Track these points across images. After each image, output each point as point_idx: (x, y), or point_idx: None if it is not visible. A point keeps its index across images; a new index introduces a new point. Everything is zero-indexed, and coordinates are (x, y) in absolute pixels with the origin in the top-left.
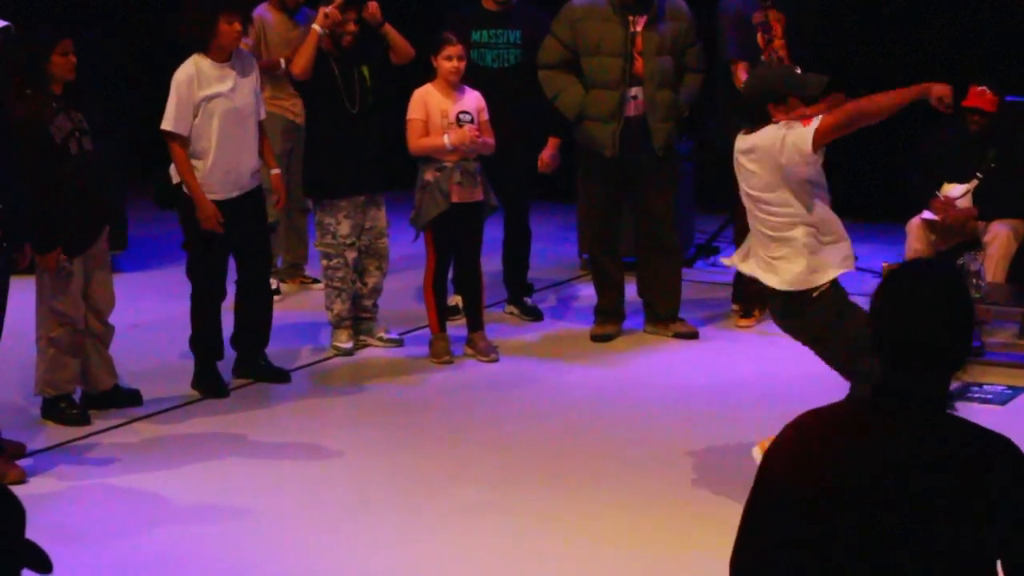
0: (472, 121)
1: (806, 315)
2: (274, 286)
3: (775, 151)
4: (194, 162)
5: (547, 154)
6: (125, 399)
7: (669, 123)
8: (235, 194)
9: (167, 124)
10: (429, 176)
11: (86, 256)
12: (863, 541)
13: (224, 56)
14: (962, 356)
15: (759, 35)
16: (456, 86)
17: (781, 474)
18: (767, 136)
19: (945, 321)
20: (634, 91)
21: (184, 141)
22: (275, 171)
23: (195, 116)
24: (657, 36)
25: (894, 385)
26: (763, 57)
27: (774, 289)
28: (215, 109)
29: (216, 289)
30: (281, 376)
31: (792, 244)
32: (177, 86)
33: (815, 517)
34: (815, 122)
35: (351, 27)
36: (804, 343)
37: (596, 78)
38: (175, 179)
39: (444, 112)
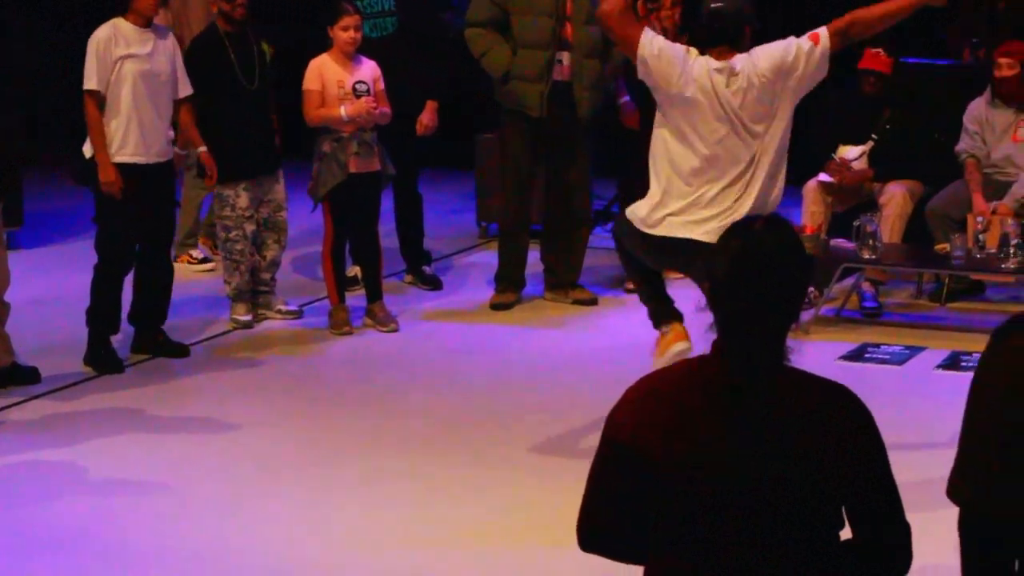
0: (368, 91)
1: None
2: (204, 255)
3: (794, 65)
4: (110, 122)
5: (425, 116)
6: (23, 377)
7: (594, 92)
8: (152, 161)
9: (89, 83)
10: (327, 147)
11: None
12: (714, 501)
13: (143, 22)
14: (798, 310)
15: (639, 3)
16: (352, 56)
17: (628, 436)
18: (774, 52)
19: (783, 279)
20: (560, 55)
21: (97, 99)
22: (202, 148)
23: (112, 75)
24: (588, 4)
25: (735, 343)
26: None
27: None
28: (132, 69)
29: (123, 264)
30: (180, 351)
31: (782, 176)
32: (95, 44)
33: (664, 478)
34: (824, 31)
35: (240, 0)
36: None
37: (526, 37)
38: (86, 152)
39: (340, 82)
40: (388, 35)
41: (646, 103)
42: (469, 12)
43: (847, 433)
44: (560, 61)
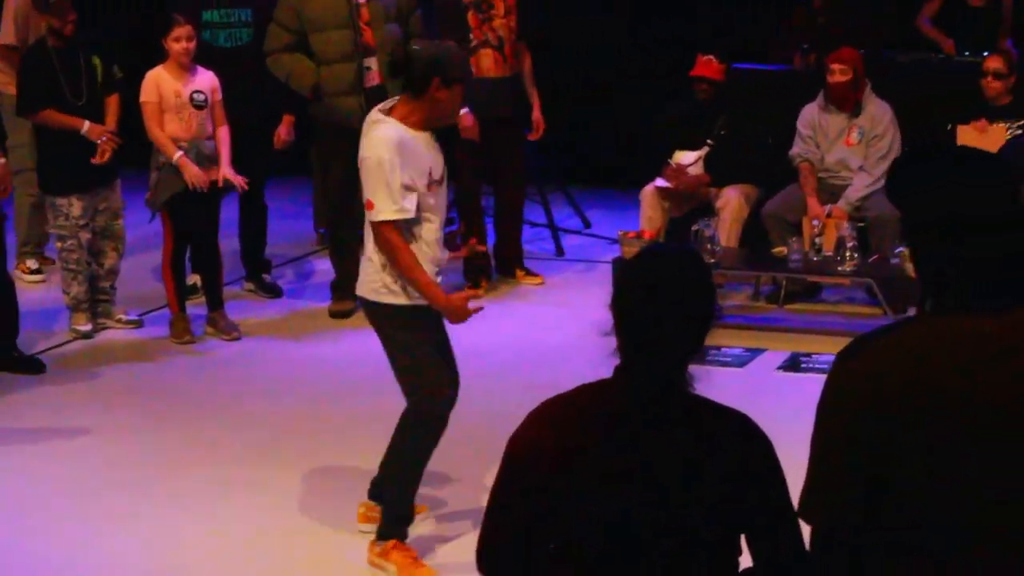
0: (206, 101)
1: None
2: (36, 267)
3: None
4: None
5: (283, 130)
6: None
7: None
8: None
9: None
10: (163, 157)
11: None
12: (608, 527)
13: None
14: (702, 338)
15: (470, 13)
16: (188, 67)
17: (526, 460)
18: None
19: (685, 308)
20: (368, 62)
21: None
22: (1, 160)
23: None
24: (381, 6)
25: (635, 369)
26: (473, 36)
27: None
28: None
29: None
30: (35, 366)
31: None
32: None
33: (560, 503)
34: None
35: (71, 17)
36: None
37: (328, 53)
38: None
39: (177, 92)
40: (243, 45)
41: (487, 113)
42: (265, 43)
43: (743, 459)
44: (369, 68)
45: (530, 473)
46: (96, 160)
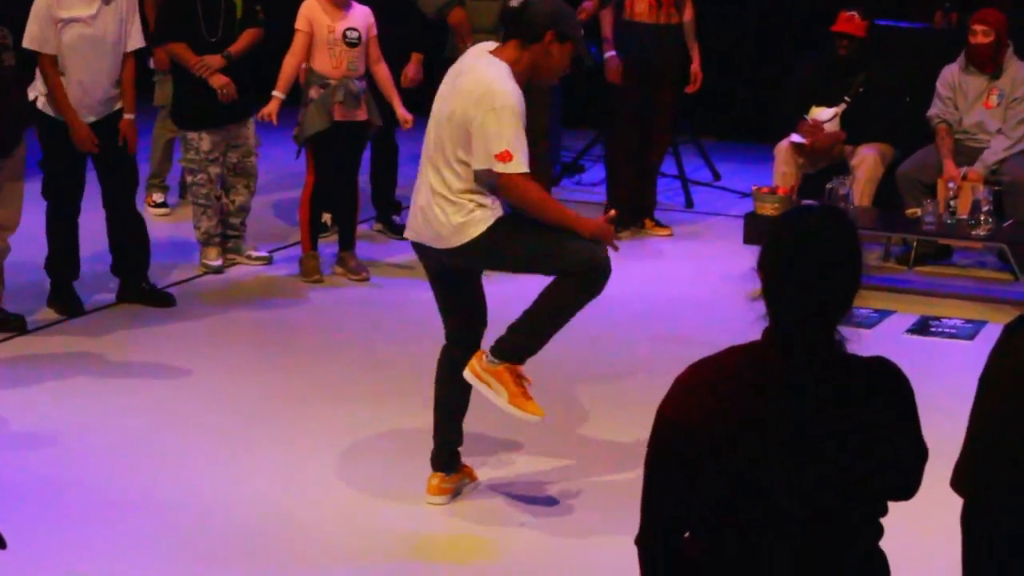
0: (360, 38)
1: None
2: (160, 199)
3: None
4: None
5: (411, 69)
6: (8, 323)
7: None
8: (90, 119)
9: (28, 42)
10: (312, 93)
11: None
12: (767, 488)
13: None
14: (851, 301)
15: None
16: (343, 3)
17: (682, 426)
18: None
19: (837, 272)
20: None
21: (52, 60)
22: (128, 116)
23: (56, 37)
24: None
25: (788, 333)
26: None
27: None
28: (73, 32)
29: (72, 208)
30: (165, 299)
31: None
32: (43, 8)
33: (718, 466)
34: None
35: None
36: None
37: None
38: (31, 95)
39: (330, 28)
40: None
41: (630, 58)
42: None
43: (895, 409)
44: None
45: (686, 437)
46: (221, 96)
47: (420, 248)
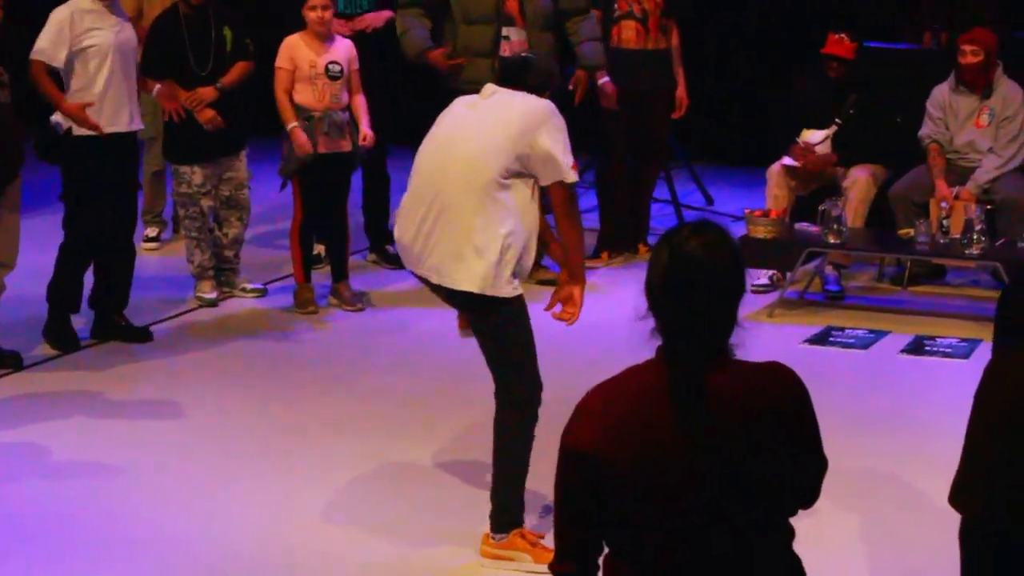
0: (342, 72)
1: None
2: (153, 234)
3: None
4: (83, 96)
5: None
6: (3, 361)
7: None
8: (123, 129)
9: (35, 53)
10: (291, 125)
11: None
12: (673, 501)
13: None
14: (735, 310)
15: None
16: (325, 36)
17: (586, 447)
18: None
19: (714, 284)
20: (506, 31)
21: (48, 70)
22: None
23: (78, 53)
24: None
25: (676, 348)
26: (618, 6)
27: None
28: (101, 43)
29: (91, 243)
30: (142, 335)
31: None
32: (58, 21)
33: (624, 482)
34: None
35: None
36: None
37: (469, 11)
38: (62, 125)
39: (312, 63)
40: (363, 12)
41: (620, 84)
42: None
43: (784, 409)
44: (507, 37)
45: (591, 458)
46: (208, 128)
47: None
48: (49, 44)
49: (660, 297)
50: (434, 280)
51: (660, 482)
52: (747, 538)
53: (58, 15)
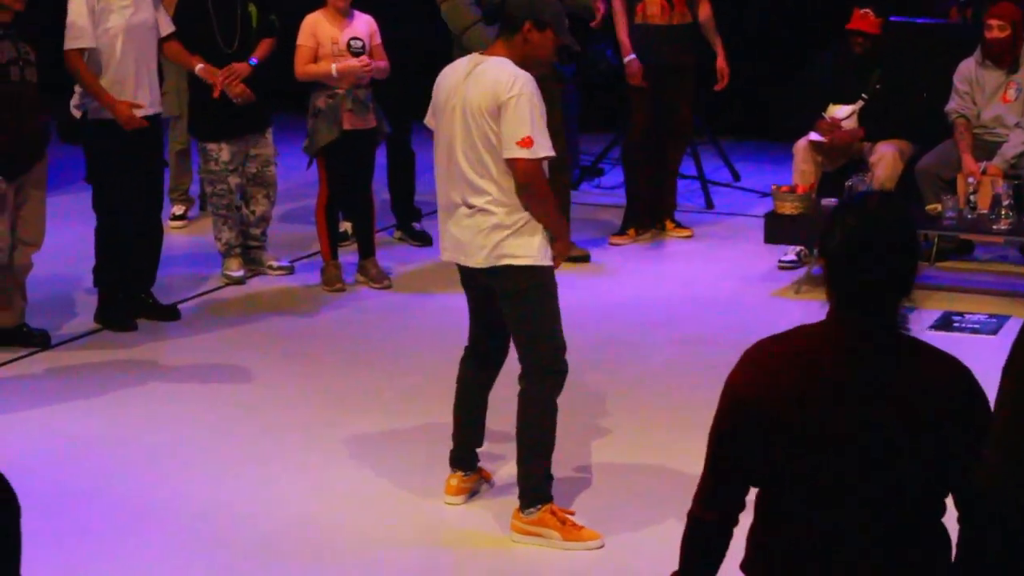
0: (363, 47)
1: None
2: (180, 212)
3: None
4: (104, 78)
5: None
6: (32, 340)
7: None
8: (151, 112)
9: (78, 42)
10: (321, 103)
11: (19, 184)
12: (833, 462)
13: None
14: (911, 282)
15: None
16: (346, 12)
17: (752, 397)
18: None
19: (897, 255)
20: None
21: (82, 55)
22: (200, 66)
23: (98, 31)
24: None
25: (853, 314)
26: None
27: None
28: (119, 23)
29: (124, 221)
30: (169, 313)
31: None
32: (76, 3)
33: (786, 438)
34: None
35: None
36: None
37: None
38: (76, 113)
39: (334, 39)
40: None
41: (644, 60)
42: None
43: (958, 401)
44: None
45: (755, 409)
46: (238, 102)
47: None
48: (81, 26)
49: (843, 261)
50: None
51: (822, 434)
52: (890, 520)
53: None
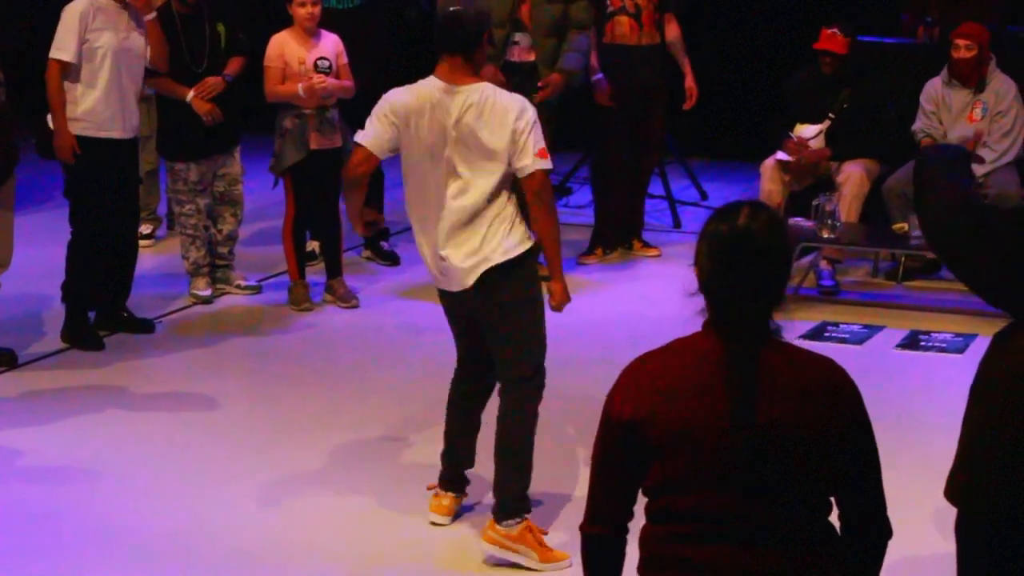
0: (331, 67)
1: None
2: (148, 231)
3: None
4: (87, 97)
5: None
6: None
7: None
8: (126, 136)
9: (59, 53)
10: (288, 123)
11: None
12: (711, 470)
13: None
14: (782, 290)
15: None
16: (313, 32)
17: (628, 416)
18: None
19: (768, 263)
20: (516, 36)
21: (64, 68)
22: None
23: (85, 50)
24: None
25: (725, 322)
26: (611, 3)
27: None
28: (110, 45)
29: (98, 238)
30: (145, 326)
31: None
32: (69, 16)
33: (663, 452)
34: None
35: None
36: None
37: None
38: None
39: (301, 59)
40: (353, 7)
41: (614, 79)
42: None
43: (834, 402)
44: (517, 43)
45: (631, 427)
46: (207, 121)
47: None
48: (66, 39)
49: (710, 270)
50: None
51: (708, 451)
52: (783, 517)
53: (75, 7)
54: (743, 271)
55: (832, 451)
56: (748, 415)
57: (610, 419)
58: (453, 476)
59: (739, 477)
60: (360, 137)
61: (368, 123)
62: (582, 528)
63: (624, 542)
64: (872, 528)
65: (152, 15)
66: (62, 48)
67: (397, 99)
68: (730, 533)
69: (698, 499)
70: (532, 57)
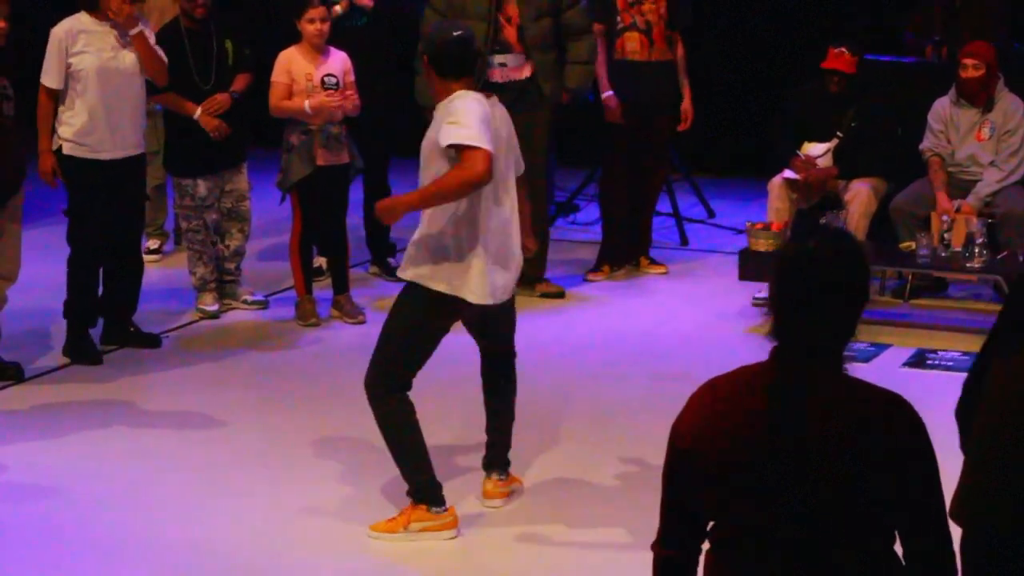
0: (338, 84)
1: None
2: (155, 246)
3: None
4: (75, 117)
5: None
6: (5, 373)
7: (555, 84)
8: (120, 155)
9: (45, 78)
10: (294, 139)
11: None
12: (771, 504)
13: (105, 18)
14: (855, 321)
15: None
16: (321, 49)
17: (689, 443)
18: None
19: (838, 291)
20: (502, 58)
21: (52, 94)
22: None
23: (70, 73)
24: (532, 5)
25: (791, 352)
26: (621, 19)
27: None
28: (92, 65)
29: (97, 256)
30: (152, 341)
31: None
32: (55, 40)
33: (724, 482)
34: None
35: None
36: None
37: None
38: (54, 144)
39: (309, 76)
40: (361, 24)
41: (623, 96)
42: (421, 27)
43: (899, 442)
44: (504, 64)
45: (693, 455)
46: (214, 136)
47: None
48: (49, 64)
49: (777, 293)
50: None
51: (750, 482)
52: (836, 560)
53: (56, 32)
54: (802, 294)
55: (884, 486)
56: (794, 445)
57: (672, 442)
58: (495, 457)
59: (783, 505)
60: (480, 142)
61: (476, 129)
62: (653, 549)
63: (695, 564)
64: (938, 567)
65: (137, 29)
66: (47, 73)
67: (483, 108)
68: (774, 561)
69: (744, 525)
70: (526, 74)
